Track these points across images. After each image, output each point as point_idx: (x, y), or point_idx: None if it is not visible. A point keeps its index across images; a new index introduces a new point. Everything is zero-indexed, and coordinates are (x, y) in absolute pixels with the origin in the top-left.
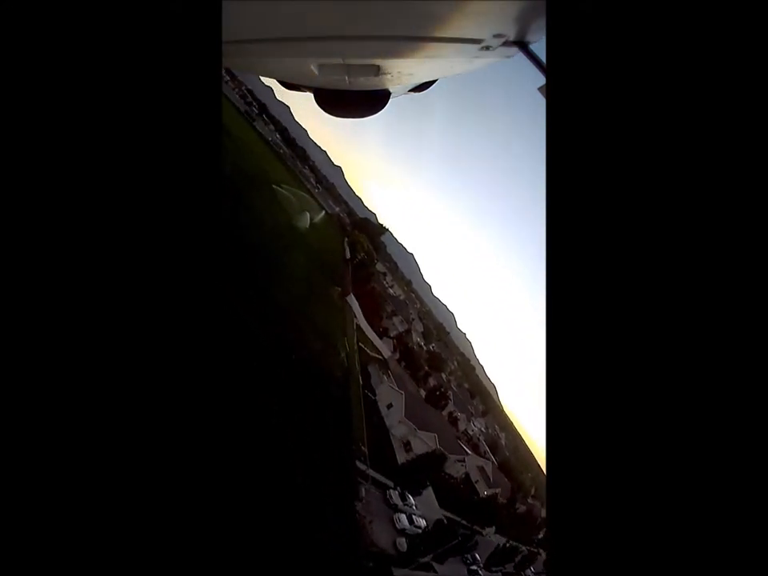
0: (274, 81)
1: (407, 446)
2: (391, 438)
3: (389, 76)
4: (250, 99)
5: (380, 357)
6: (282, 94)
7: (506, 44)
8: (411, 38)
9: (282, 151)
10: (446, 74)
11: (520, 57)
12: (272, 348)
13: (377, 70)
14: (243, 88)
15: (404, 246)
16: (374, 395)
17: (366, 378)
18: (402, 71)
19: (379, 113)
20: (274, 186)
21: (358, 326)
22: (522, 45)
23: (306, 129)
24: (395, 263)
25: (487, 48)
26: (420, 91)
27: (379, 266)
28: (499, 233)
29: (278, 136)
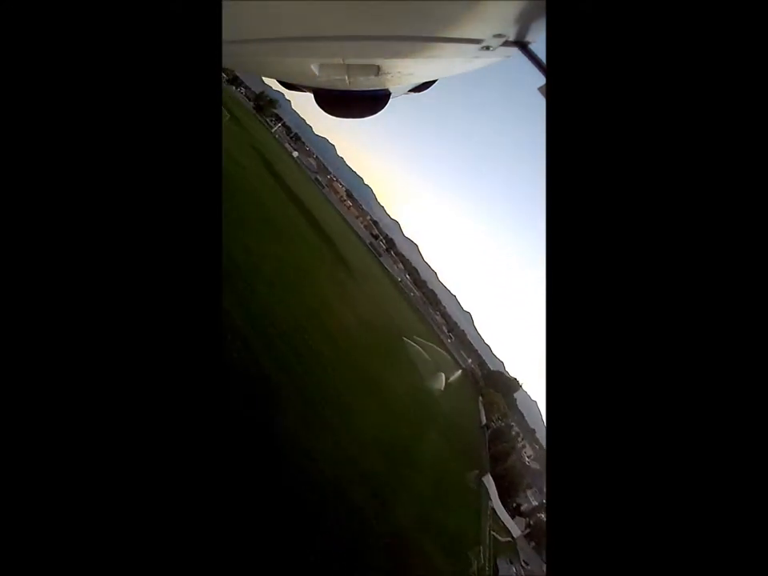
0: (402, 214)
1: None
2: None
3: (389, 76)
4: (376, 232)
5: (510, 539)
6: (411, 230)
7: (505, 44)
8: (411, 37)
9: (412, 294)
10: (446, 74)
11: (520, 57)
12: None
13: (377, 70)
14: (368, 218)
15: (529, 394)
16: None
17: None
18: (401, 71)
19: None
20: (405, 338)
21: (492, 510)
22: (521, 45)
23: (436, 270)
24: (521, 413)
25: (487, 48)
26: (420, 91)
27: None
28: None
29: (407, 276)
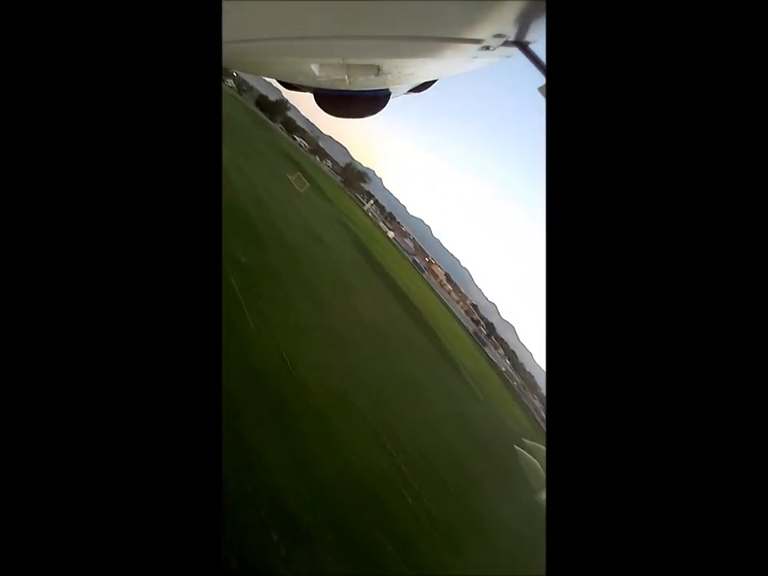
0: (499, 295)
1: None
2: None
3: (389, 76)
4: (476, 317)
5: None
6: (507, 312)
7: (506, 44)
8: (411, 37)
9: (515, 383)
10: (446, 74)
11: (520, 57)
12: None
13: (377, 70)
14: (468, 302)
15: None
16: None
17: None
18: (401, 71)
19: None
20: (516, 447)
21: None
22: (521, 45)
23: (531, 351)
24: None
25: (487, 48)
26: (420, 91)
27: None
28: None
29: (507, 362)
